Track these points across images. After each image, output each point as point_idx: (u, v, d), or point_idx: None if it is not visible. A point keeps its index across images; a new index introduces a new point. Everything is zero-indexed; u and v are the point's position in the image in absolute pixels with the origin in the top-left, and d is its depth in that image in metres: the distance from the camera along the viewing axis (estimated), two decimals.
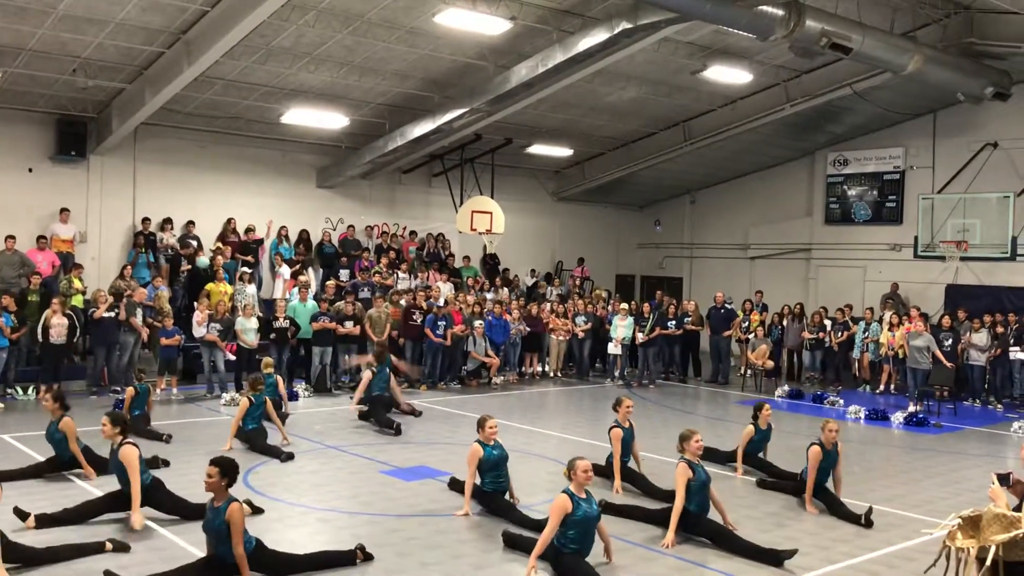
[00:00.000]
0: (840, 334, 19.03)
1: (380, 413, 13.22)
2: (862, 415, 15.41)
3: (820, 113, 20.50)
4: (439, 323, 17.35)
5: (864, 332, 18.91)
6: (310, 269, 19.35)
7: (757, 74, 18.03)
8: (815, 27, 13.07)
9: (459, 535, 8.18)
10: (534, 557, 6.99)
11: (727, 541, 7.94)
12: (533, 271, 23.71)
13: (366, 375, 13.68)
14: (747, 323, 19.57)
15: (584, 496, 7.08)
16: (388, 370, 14.04)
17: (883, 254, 22.39)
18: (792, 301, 20.57)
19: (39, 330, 14.76)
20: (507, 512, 8.63)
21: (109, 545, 7.37)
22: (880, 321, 18.81)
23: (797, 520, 9.00)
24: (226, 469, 6.82)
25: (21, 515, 7.90)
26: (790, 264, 24.51)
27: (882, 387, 18.48)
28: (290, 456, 10.93)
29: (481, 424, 8.95)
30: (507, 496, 8.95)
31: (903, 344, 17.65)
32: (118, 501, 8.21)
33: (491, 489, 8.86)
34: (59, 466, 9.73)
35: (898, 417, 15.07)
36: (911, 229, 21.70)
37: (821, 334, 19.09)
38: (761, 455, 10.92)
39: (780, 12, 12.83)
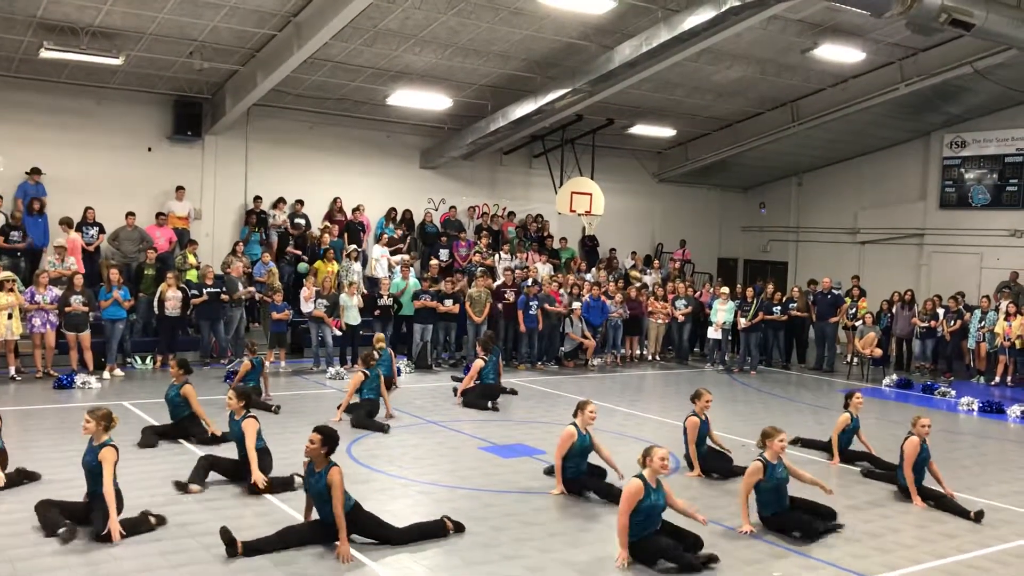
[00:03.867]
0: (953, 323, 18.31)
1: (477, 400, 13.32)
2: (975, 407, 14.82)
3: (937, 93, 19.62)
4: (531, 303, 17.40)
5: (980, 321, 18.13)
6: (385, 249, 19.35)
7: (870, 52, 17.38)
8: (934, 2, 12.48)
9: (555, 513, 8.24)
10: (622, 545, 6.94)
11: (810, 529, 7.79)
12: (634, 253, 23.53)
13: (477, 363, 13.72)
14: (854, 309, 19.00)
15: (655, 486, 7.01)
16: (497, 358, 14.13)
17: (1002, 240, 21.42)
18: (903, 287, 19.87)
19: (155, 303, 15.46)
20: (589, 483, 8.80)
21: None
22: (997, 310, 17.99)
23: (903, 512, 8.72)
24: (328, 438, 7.06)
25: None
26: (901, 249, 23.67)
27: (998, 379, 17.69)
28: (382, 428, 11.27)
29: (581, 408, 8.85)
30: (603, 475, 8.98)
31: (1021, 334, 16.87)
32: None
33: (572, 476, 8.82)
34: (180, 430, 10.22)
35: (1015, 410, 14.41)
36: None
37: (933, 322, 18.42)
38: (853, 447, 10.66)
39: None
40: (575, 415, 8.89)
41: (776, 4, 13.64)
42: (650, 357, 19.32)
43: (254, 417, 8.64)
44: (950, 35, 15.28)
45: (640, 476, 7.00)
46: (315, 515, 7.23)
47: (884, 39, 17.03)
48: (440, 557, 7.01)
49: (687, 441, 9.80)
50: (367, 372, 11.93)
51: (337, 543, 6.90)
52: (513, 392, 14.23)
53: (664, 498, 7.10)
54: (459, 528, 7.50)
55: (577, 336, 17.97)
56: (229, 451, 9.04)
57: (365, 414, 11.64)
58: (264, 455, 8.66)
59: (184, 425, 10.29)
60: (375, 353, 12.64)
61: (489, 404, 13.07)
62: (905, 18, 12.85)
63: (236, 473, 8.62)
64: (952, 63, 17.78)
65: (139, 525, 7.21)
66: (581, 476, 8.85)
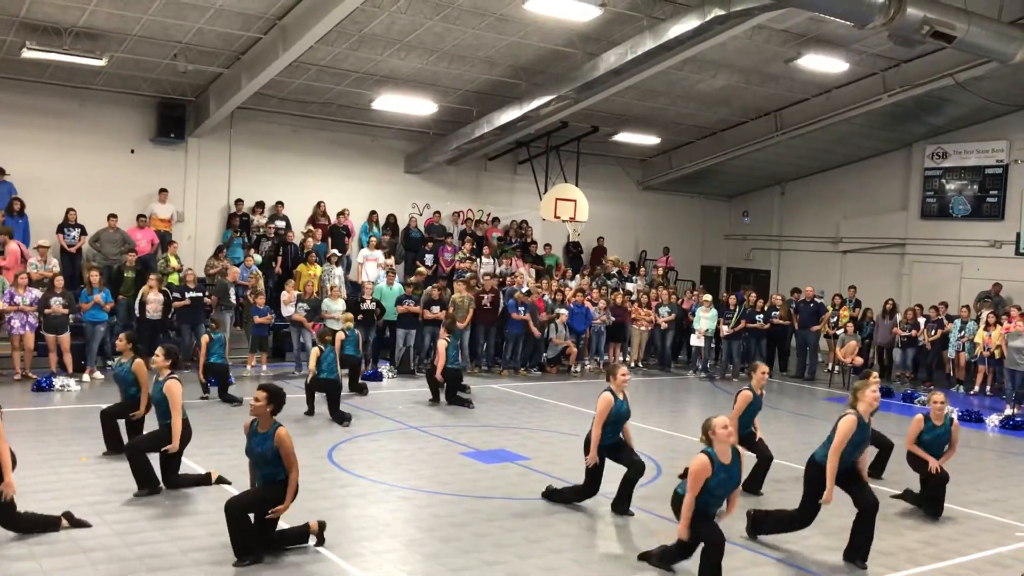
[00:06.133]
0: (934, 332, 18.46)
1: (450, 394, 13.91)
2: (955, 416, 14.86)
3: (919, 104, 19.79)
4: (519, 308, 17.42)
5: (960, 331, 18.28)
6: (379, 252, 19.31)
7: (853, 63, 17.52)
8: (916, 14, 12.59)
9: (538, 519, 8.22)
10: (685, 523, 6.53)
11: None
12: (616, 260, 23.56)
13: (441, 344, 14.01)
14: (836, 318, 19.11)
15: (728, 461, 6.55)
16: (459, 340, 14.58)
17: (982, 251, 21.60)
18: (884, 297, 19.99)
19: (136, 305, 15.35)
20: (624, 458, 8.54)
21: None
22: (977, 320, 18.14)
23: (882, 519, 8.72)
24: (273, 396, 6.91)
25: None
26: (883, 259, 23.83)
27: (977, 388, 17.83)
28: (346, 417, 11.95)
29: (612, 372, 8.56)
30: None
31: (1000, 344, 17.02)
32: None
33: (609, 442, 8.51)
34: (126, 408, 9.65)
35: (994, 420, 14.54)
36: (1013, 225, 20.90)
37: (914, 332, 18.55)
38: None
39: None
40: (608, 380, 8.61)
41: (760, 14, 13.75)
42: (633, 364, 19.34)
43: (177, 379, 8.52)
44: (932, 47, 15.40)
45: (707, 451, 6.55)
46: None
47: (867, 50, 17.17)
48: (421, 563, 6.99)
49: (732, 413, 9.16)
50: (322, 348, 12.48)
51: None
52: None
53: (739, 473, 6.65)
54: (320, 541, 7.12)
55: (561, 340, 17.98)
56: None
57: (336, 398, 12.25)
58: (184, 427, 8.44)
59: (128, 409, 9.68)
60: (330, 332, 13.16)
61: (462, 399, 13.73)
62: (888, 29, 12.96)
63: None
64: (934, 75, 17.94)
65: (48, 525, 7.05)
66: (619, 442, 8.58)
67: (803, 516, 7.59)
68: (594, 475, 8.57)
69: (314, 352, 12.64)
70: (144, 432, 9.14)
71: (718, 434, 6.55)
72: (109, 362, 15.25)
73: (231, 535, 6.71)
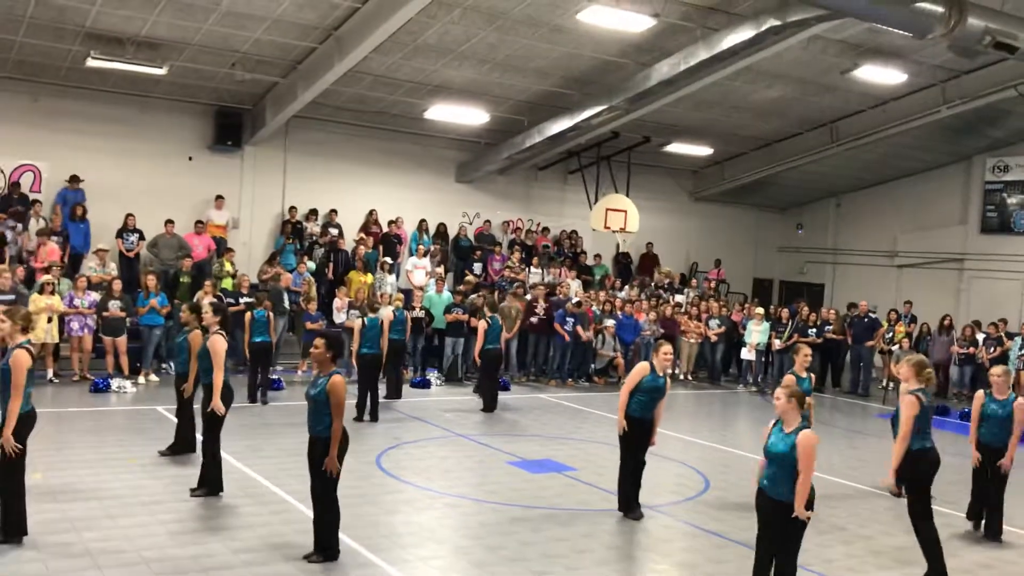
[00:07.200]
0: (993, 349, 17.99)
1: (484, 383, 14.21)
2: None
3: (980, 116, 19.39)
4: (568, 319, 17.39)
5: (1020, 348, 17.80)
6: (427, 260, 19.42)
7: (912, 74, 17.21)
8: (978, 25, 12.32)
9: (584, 529, 8.18)
10: (801, 501, 5.95)
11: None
12: (668, 272, 23.41)
13: (481, 324, 14.14)
14: (891, 334, 18.75)
15: (789, 431, 6.13)
16: (499, 321, 14.63)
17: None
18: (941, 313, 19.57)
19: None
20: (638, 445, 8.58)
21: None
22: None
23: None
24: (332, 343, 6.98)
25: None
26: (941, 274, 23.33)
27: None
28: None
29: (656, 350, 8.97)
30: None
31: None
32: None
33: (635, 413, 8.62)
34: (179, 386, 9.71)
35: None
36: None
37: (972, 349, 18.11)
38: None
39: (940, 9, 12.17)
40: (652, 355, 8.98)
41: (817, 24, 13.58)
42: (682, 376, 19.17)
43: (222, 334, 8.55)
44: (994, 58, 15.07)
45: (803, 424, 6.16)
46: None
47: (926, 61, 16.85)
48: (467, 570, 6.99)
49: None
50: (366, 321, 12.74)
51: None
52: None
53: (794, 450, 6.02)
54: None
55: (608, 353, 17.89)
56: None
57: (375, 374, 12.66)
58: (225, 388, 8.44)
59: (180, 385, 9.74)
60: (378, 304, 13.63)
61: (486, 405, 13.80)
62: (948, 40, 12.70)
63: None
64: (996, 86, 17.55)
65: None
66: (646, 419, 8.65)
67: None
68: (627, 445, 8.65)
69: (357, 324, 12.91)
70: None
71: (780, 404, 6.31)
72: (164, 365, 15.56)
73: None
